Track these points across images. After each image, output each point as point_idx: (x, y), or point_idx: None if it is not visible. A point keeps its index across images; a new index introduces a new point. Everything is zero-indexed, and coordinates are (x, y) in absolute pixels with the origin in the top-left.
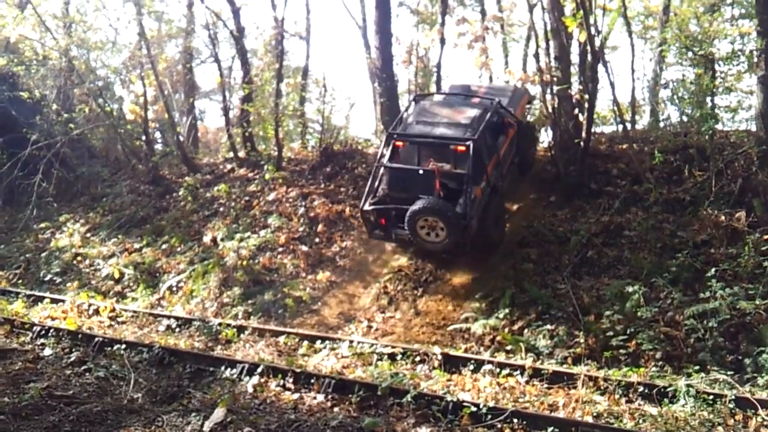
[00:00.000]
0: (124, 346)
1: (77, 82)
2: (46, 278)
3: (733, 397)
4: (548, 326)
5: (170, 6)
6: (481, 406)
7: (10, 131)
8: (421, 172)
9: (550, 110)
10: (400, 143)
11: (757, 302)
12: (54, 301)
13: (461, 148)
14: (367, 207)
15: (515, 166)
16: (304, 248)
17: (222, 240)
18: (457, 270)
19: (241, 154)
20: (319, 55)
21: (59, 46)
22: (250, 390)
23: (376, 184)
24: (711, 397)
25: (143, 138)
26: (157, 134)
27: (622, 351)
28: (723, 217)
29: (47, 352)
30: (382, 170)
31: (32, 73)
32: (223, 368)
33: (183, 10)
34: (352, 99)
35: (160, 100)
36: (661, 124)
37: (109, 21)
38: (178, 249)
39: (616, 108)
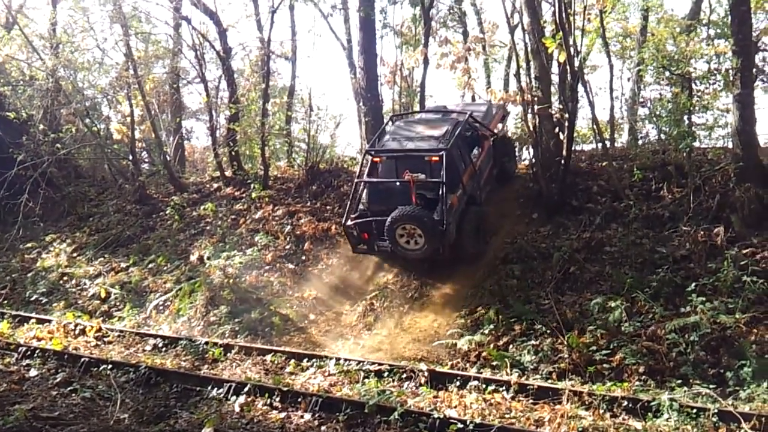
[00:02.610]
0: (110, 366)
1: (64, 103)
2: (32, 298)
3: (716, 410)
4: (533, 341)
5: (157, 27)
6: (467, 423)
7: None
8: (398, 184)
9: (531, 129)
10: (377, 159)
11: (738, 316)
12: (40, 321)
13: (435, 158)
14: (349, 222)
15: (494, 177)
16: (291, 266)
17: (209, 258)
18: (442, 286)
19: (228, 173)
20: (305, 76)
21: (46, 66)
22: (237, 409)
23: (357, 200)
24: (694, 410)
25: (130, 158)
26: (144, 154)
27: (605, 365)
28: (702, 233)
29: (33, 372)
30: (362, 186)
31: (19, 94)
32: (209, 388)
33: (170, 31)
34: (338, 118)
35: (147, 120)
36: (640, 142)
37: (96, 42)
38: (165, 268)
39: (595, 126)
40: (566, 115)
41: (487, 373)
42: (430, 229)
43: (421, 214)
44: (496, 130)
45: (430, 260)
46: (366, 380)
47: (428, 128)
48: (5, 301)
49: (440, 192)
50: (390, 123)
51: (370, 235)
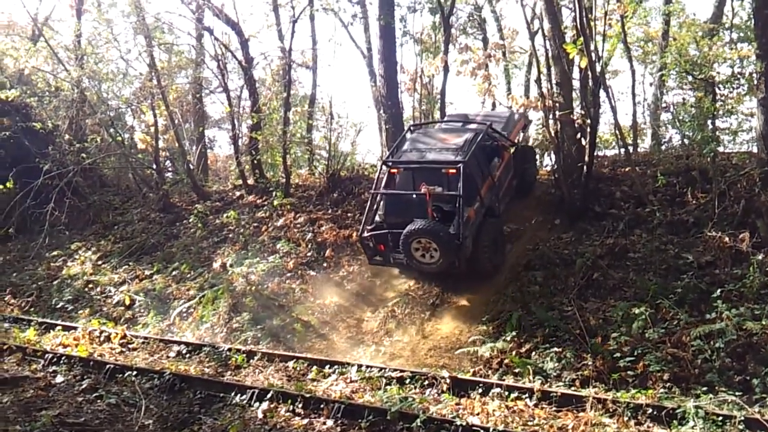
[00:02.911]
0: (135, 372)
1: (89, 113)
2: (58, 306)
3: (743, 418)
4: (556, 348)
5: (180, 38)
6: (490, 430)
7: (23, 161)
8: (414, 196)
9: (552, 135)
10: (395, 170)
11: (764, 322)
12: (66, 328)
13: (452, 170)
14: (365, 234)
15: (513, 188)
16: (312, 273)
17: (231, 266)
18: (463, 293)
19: (250, 181)
20: (326, 84)
21: (71, 77)
22: (260, 415)
23: (374, 211)
24: (720, 418)
25: (154, 167)
26: (168, 163)
27: (629, 373)
28: (727, 239)
29: (59, 379)
30: (378, 197)
31: (45, 104)
32: (233, 394)
33: (192, 41)
34: (359, 126)
35: (170, 129)
36: (663, 147)
37: (120, 53)
38: (188, 275)
39: (618, 132)
40: (588, 121)
41: (509, 380)
42: (445, 244)
43: (436, 228)
44: (516, 140)
45: (446, 274)
46: (388, 387)
47: (447, 139)
48: (32, 309)
49: (457, 205)
50: (409, 132)
51: (386, 246)
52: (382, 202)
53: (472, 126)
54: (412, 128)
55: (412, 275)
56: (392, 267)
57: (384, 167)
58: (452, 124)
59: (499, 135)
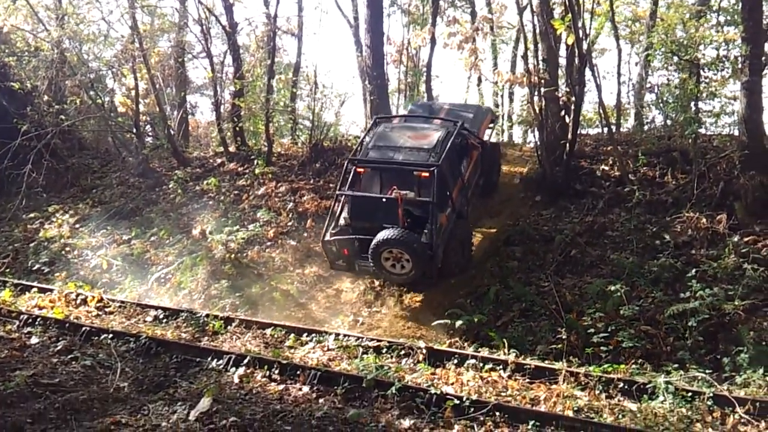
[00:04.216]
0: (111, 335)
1: (69, 74)
2: (34, 268)
3: (711, 394)
4: (531, 322)
5: (163, 0)
6: (464, 399)
7: (0, 121)
8: (384, 200)
9: (537, 112)
10: (361, 170)
11: (736, 303)
12: (42, 290)
13: (425, 174)
14: (328, 237)
15: (479, 187)
16: (293, 242)
17: (211, 233)
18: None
19: (232, 148)
20: (311, 53)
21: (51, 37)
22: (236, 380)
23: (338, 212)
24: (689, 394)
25: (134, 131)
26: (148, 127)
27: (603, 348)
28: (704, 220)
29: (34, 340)
30: (343, 199)
31: (24, 64)
32: (209, 359)
33: (176, 4)
34: (343, 96)
35: (151, 93)
36: (646, 128)
37: (102, 14)
38: (167, 241)
39: (601, 110)
40: (573, 99)
41: (484, 352)
42: (419, 254)
43: (410, 239)
44: (485, 138)
45: (416, 283)
46: (364, 356)
47: (417, 137)
48: (7, 270)
49: (430, 212)
50: (375, 126)
51: (350, 251)
52: (347, 204)
53: (443, 123)
54: (378, 121)
55: None
56: (357, 273)
57: (350, 166)
58: (422, 120)
59: (469, 132)
